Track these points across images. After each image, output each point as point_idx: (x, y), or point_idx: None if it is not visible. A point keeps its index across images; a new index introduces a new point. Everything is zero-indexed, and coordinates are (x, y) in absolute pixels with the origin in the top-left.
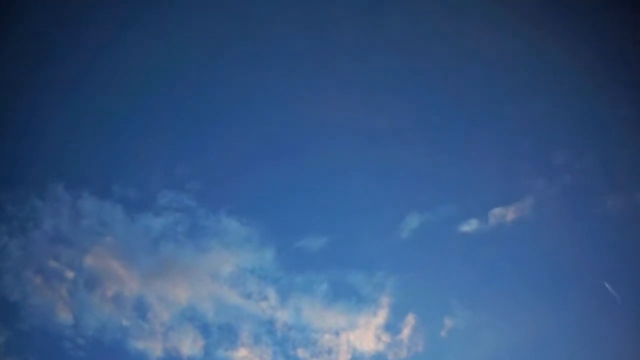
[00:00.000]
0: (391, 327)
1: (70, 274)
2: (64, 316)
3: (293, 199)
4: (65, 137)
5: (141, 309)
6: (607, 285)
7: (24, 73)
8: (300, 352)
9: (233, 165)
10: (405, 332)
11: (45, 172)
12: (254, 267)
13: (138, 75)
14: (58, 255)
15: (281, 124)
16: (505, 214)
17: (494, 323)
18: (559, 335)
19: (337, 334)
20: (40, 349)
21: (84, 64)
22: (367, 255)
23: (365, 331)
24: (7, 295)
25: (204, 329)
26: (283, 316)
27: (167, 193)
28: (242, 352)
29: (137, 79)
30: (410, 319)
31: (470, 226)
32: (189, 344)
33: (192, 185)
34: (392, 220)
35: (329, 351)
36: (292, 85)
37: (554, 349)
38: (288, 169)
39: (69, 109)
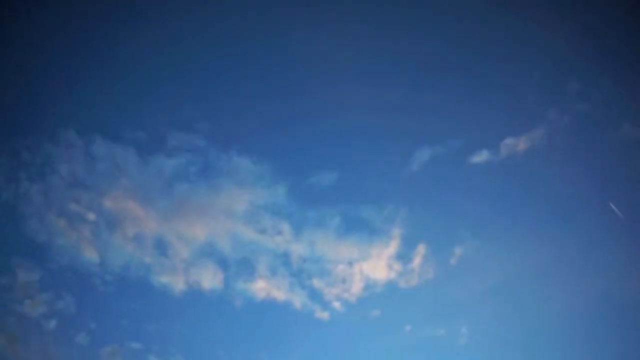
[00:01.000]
0: (402, 256)
1: (91, 216)
2: (90, 255)
3: (303, 135)
4: (74, 83)
5: (161, 247)
6: (615, 210)
7: (37, 23)
8: (316, 282)
9: (241, 105)
10: (416, 261)
11: (56, 119)
12: (267, 204)
13: (146, 21)
14: (78, 199)
15: (288, 62)
16: (516, 144)
17: (503, 251)
18: (566, 261)
19: (350, 264)
20: (71, 286)
21: (95, 13)
22: (378, 189)
23: (378, 261)
24: (35, 237)
25: (223, 264)
26: (298, 249)
27: (177, 134)
28: (260, 283)
29: (145, 24)
30: (421, 249)
31: (481, 157)
32: (209, 277)
33: (201, 125)
34: (403, 154)
35: (343, 280)
36: (299, 22)
37: (562, 273)
38: (297, 106)
39: (77, 56)
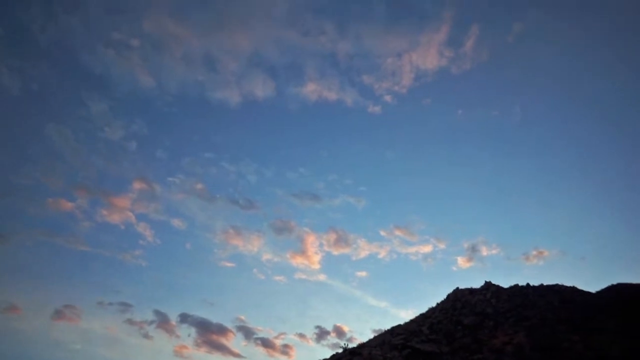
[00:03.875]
0: (454, 41)
1: (135, 42)
2: (146, 80)
3: None
4: None
5: (210, 63)
6: None
7: None
8: (366, 78)
9: None
10: (469, 44)
11: None
12: (309, 2)
13: None
14: (118, 26)
15: None
16: None
17: (566, 21)
18: None
19: (399, 55)
20: (139, 111)
21: None
22: None
23: (428, 49)
24: (93, 70)
25: (272, 71)
26: (344, 47)
27: None
28: (311, 86)
29: None
30: (475, 30)
31: None
32: (261, 87)
33: None
34: None
35: (393, 73)
36: None
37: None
38: None
39: None
